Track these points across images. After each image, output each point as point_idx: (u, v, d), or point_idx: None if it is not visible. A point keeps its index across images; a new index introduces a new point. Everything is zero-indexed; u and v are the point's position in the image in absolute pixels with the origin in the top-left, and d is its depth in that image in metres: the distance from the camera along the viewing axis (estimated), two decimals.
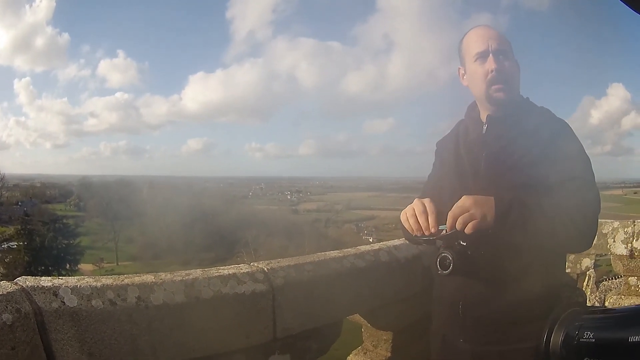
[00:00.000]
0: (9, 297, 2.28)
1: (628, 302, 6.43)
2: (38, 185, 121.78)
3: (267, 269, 3.20)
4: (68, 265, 69.05)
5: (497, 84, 2.73)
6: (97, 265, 73.08)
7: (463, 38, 2.93)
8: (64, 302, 2.42)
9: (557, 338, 2.52)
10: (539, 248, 2.61)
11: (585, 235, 2.65)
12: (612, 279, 7.19)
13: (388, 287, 3.81)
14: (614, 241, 7.15)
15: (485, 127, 2.85)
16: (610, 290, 6.90)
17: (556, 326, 2.52)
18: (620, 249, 7.05)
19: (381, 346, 4.40)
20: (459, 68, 2.97)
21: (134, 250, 77.33)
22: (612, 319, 2.61)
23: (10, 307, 2.24)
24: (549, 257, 2.73)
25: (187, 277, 2.89)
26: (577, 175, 2.59)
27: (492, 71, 2.72)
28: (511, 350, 2.69)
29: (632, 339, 2.16)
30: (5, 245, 64.12)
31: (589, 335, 2.33)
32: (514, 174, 2.65)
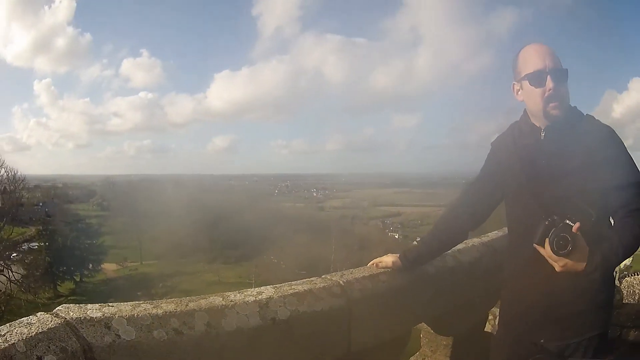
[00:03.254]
0: (51, 334, 1.95)
1: None
2: (60, 185, 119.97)
3: (343, 282, 2.99)
4: (91, 265, 69.28)
5: (553, 101, 2.84)
6: (120, 265, 73.44)
7: (518, 55, 3.03)
8: (119, 336, 2.10)
9: None
10: None
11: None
12: (633, 275, 7.07)
13: (454, 292, 3.73)
14: None
15: (543, 134, 2.94)
16: (633, 286, 6.86)
17: None
18: None
19: (440, 351, 4.32)
20: (514, 84, 3.06)
21: (158, 249, 76.22)
22: None
23: (54, 347, 1.92)
24: None
25: (259, 297, 2.63)
26: (628, 181, 2.76)
27: (550, 90, 2.83)
28: (585, 340, 2.85)
29: None
30: (26, 246, 63.50)
31: None
32: (571, 179, 2.78)
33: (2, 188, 60.10)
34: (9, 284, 47.04)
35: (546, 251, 2.67)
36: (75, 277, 65.19)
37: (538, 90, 2.88)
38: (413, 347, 4.38)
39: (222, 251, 71.37)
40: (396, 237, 75.65)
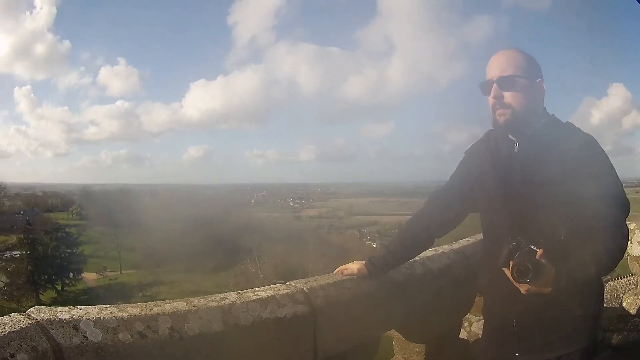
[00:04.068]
0: (23, 333, 2.02)
1: None
2: (39, 194, 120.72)
3: (307, 288, 3.02)
4: (71, 274, 69.22)
5: (499, 109, 2.84)
6: (100, 274, 73.00)
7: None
8: (86, 337, 2.16)
9: None
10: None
11: (617, 260, 2.73)
12: (615, 279, 7.16)
13: (423, 300, 3.69)
14: (631, 242, 6.89)
15: (517, 145, 2.90)
16: (617, 290, 6.93)
17: None
18: (637, 250, 6.83)
19: (413, 358, 4.29)
20: None
21: (137, 258, 77.11)
22: None
23: (26, 346, 1.99)
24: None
25: (223, 302, 2.68)
26: (606, 193, 2.68)
27: (493, 97, 2.85)
28: (564, 355, 2.78)
29: None
30: (8, 254, 63.81)
31: None
32: (544, 192, 2.73)
33: None
34: None
35: (509, 275, 2.64)
36: (56, 286, 65.01)
37: (489, 99, 2.89)
38: (387, 354, 4.43)
39: (199, 260, 70.46)
40: (374, 246, 75.62)
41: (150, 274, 69.43)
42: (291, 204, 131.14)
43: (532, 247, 2.58)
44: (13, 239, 68.60)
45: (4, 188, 63.23)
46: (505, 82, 2.81)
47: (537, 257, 2.54)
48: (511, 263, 2.60)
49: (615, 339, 5.59)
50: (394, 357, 4.43)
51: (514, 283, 2.61)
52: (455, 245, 4.26)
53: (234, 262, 61.03)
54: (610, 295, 6.75)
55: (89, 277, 71.18)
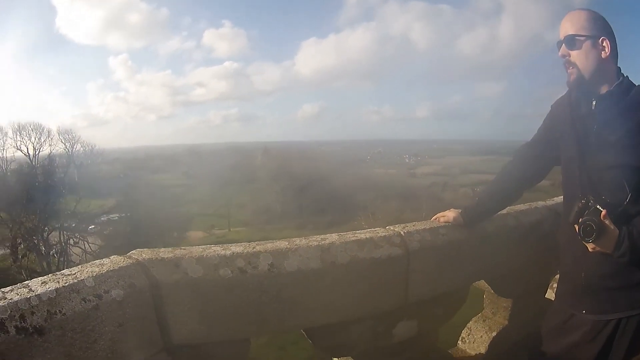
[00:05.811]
0: (121, 272, 2.20)
1: None
2: (142, 156, 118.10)
3: (404, 232, 3.10)
4: (175, 233, 69.34)
5: (568, 68, 2.96)
6: (207, 232, 74.29)
7: None
8: (186, 273, 2.34)
9: None
10: None
11: None
12: None
13: (513, 252, 3.75)
14: None
15: (594, 103, 2.95)
16: None
17: None
18: None
19: (500, 314, 4.37)
20: None
21: (246, 215, 77.96)
22: None
23: (122, 283, 2.15)
24: None
25: (323, 242, 2.81)
26: None
27: (561, 56, 2.97)
28: (626, 318, 2.87)
29: None
30: (105, 218, 64.61)
31: None
32: (618, 151, 2.79)
33: (79, 163, 61.08)
34: (84, 256, 47.48)
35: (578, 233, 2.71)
36: (158, 247, 65.17)
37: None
38: (478, 309, 4.61)
39: (311, 217, 70.49)
40: None
41: (260, 231, 68.82)
42: (407, 161, 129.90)
43: (598, 206, 2.68)
44: (112, 202, 70.09)
45: (101, 154, 64.04)
46: (568, 41, 2.91)
47: (602, 217, 2.64)
48: (580, 221, 2.70)
49: None
50: (483, 311, 4.53)
51: (582, 241, 2.71)
52: (549, 202, 4.29)
53: (348, 218, 60.75)
54: None
55: (195, 235, 72.14)
